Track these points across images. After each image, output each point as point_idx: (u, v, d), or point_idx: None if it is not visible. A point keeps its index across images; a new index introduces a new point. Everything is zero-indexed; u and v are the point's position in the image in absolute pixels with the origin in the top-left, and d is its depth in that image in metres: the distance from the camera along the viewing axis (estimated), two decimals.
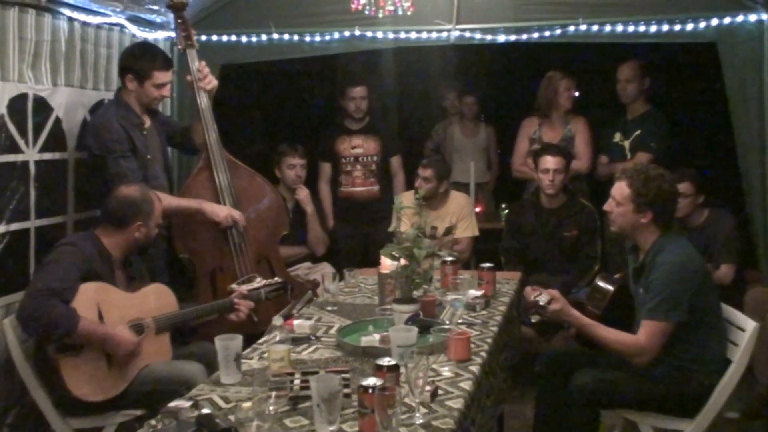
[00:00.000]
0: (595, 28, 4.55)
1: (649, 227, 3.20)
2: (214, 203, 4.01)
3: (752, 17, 4.28)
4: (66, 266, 3.07)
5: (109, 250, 3.30)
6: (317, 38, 4.90)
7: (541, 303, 3.20)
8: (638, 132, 5.02)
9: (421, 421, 2.18)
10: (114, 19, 4.30)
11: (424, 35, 4.82)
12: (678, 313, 3.04)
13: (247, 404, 2.09)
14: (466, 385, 2.46)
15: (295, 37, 4.91)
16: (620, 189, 3.23)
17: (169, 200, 3.79)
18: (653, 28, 4.47)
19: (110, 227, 3.33)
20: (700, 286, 3.10)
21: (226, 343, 2.54)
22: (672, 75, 6.39)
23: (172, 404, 2.27)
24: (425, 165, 4.93)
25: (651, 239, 3.21)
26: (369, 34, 4.83)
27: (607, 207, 3.34)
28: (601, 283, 3.61)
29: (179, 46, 4.15)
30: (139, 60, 3.87)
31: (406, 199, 3.29)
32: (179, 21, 4.11)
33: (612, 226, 3.35)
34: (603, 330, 3.18)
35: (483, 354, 2.76)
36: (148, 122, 3.97)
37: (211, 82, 4.12)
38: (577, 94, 5.28)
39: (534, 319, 3.30)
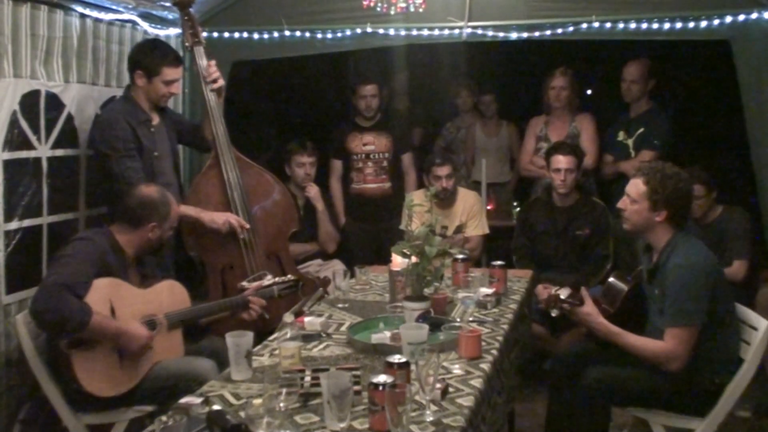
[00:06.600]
0: (608, 25, 4.52)
1: (662, 226, 3.18)
2: (212, 211, 3.99)
3: (766, 14, 4.24)
4: (80, 261, 3.07)
5: (123, 248, 3.31)
6: (329, 35, 4.90)
7: (562, 297, 3.19)
8: (641, 130, 5.00)
9: (431, 418, 2.18)
10: (126, 16, 4.31)
11: (436, 32, 4.80)
12: (701, 315, 3.03)
13: (258, 401, 2.09)
14: (477, 383, 2.46)
15: (307, 34, 4.91)
16: (636, 186, 3.21)
17: None
18: (667, 26, 4.45)
19: (125, 225, 3.33)
20: (715, 285, 3.08)
21: (237, 340, 2.55)
22: (681, 72, 6.35)
23: (183, 400, 2.29)
24: (441, 163, 4.90)
25: (664, 239, 3.19)
26: (381, 31, 4.81)
27: (621, 204, 3.30)
28: (615, 282, 3.59)
29: (186, 43, 4.14)
30: (149, 56, 3.87)
31: (416, 198, 3.28)
32: (185, 18, 4.10)
33: (625, 224, 3.32)
34: (632, 338, 3.15)
35: (494, 352, 2.76)
36: (156, 119, 3.97)
37: (219, 81, 4.10)
38: (589, 92, 5.25)
39: (554, 313, 3.28)
